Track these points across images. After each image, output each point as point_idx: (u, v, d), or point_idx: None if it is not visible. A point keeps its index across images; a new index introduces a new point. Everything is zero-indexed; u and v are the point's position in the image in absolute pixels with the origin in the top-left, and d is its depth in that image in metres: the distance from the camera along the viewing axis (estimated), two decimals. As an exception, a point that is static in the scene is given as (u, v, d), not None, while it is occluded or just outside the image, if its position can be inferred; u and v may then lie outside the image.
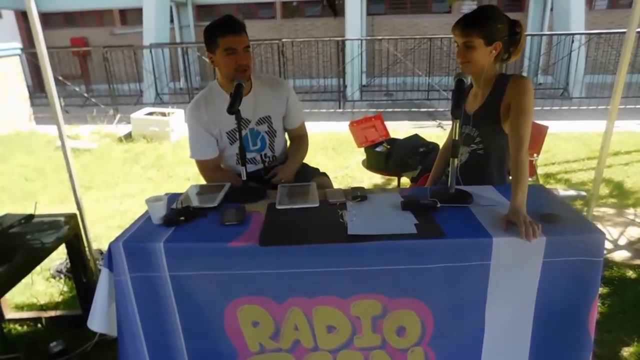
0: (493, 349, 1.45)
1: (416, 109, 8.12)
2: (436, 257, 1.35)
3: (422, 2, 11.85)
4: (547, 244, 1.33)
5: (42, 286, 2.79)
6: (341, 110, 8.25)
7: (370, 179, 4.41)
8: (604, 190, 3.98)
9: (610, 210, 3.61)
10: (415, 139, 3.35)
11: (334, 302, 1.41)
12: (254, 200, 1.69)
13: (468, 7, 11.05)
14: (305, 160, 2.22)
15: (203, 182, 2.13)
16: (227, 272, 1.39)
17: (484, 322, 1.41)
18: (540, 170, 4.38)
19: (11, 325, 2.40)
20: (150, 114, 6.75)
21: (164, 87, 9.92)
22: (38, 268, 2.28)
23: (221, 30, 1.80)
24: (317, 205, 1.61)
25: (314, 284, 1.39)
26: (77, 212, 2.37)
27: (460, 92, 1.54)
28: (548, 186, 4.21)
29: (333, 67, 9.19)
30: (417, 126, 6.96)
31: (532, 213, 1.40)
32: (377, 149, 3.33)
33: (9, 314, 2.47)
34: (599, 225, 3.29)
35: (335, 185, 2.12)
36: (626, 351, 2.08)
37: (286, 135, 2.23)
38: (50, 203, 4.15)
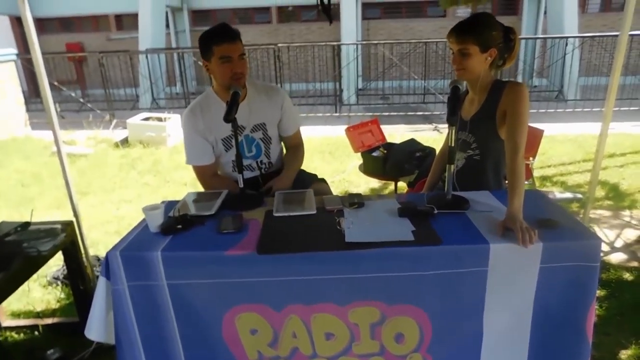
0: (491, 354, 1.45)
1: (412, 113, 8.15)
2: (434, 263, 1.35)
3: (417, 7, 11.90)
4: (544, 249, 1.34)
5: (38, 293, 2.78)
6: (337, 114, 8.27)
7: (367, 183, 4.42)
8: (599, 192, 4.00)
9: (607, 213, 3.64)
10: (412, 143, 3.37)
11: (332, 310, 1.41)
12: (251, 208, 1.69)
13: (462, 11, 11.12)
14: (303, 166, 2.22)
15: (200, 187, 2.14)
16: (225, 281, 1.39)
17: (482, 327, 1.41)
18: (536, 173, 4.39)
19: (7, 333, 2.39)
20: (147, 119, 6.74)
21: (160, 92, 9.91)
22: (34, 275, 2.27)
23: (216, 39, 1.80)
24: (314, 212, 1.61)
25: (311, 291, 1.39)
26: (74, 219, 2.37)
27: (455, 100, 1.55)
28: (544, 189, 4.23)
29: (329, 71, 9.22)
30: (414, 130, 6.98)
31: (528, 218, 1.41)
32: (374, 154, 3.34)
33: (5, 322, 2.46)
34: (596, 228, 3.33)
35: (333, 189, 2.13)
36: (624, 354, 2.09)
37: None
38: (47, 209, 4.14)
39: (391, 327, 1.43)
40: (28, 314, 2.57)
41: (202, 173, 2.07)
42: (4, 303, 2.33)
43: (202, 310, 1.43)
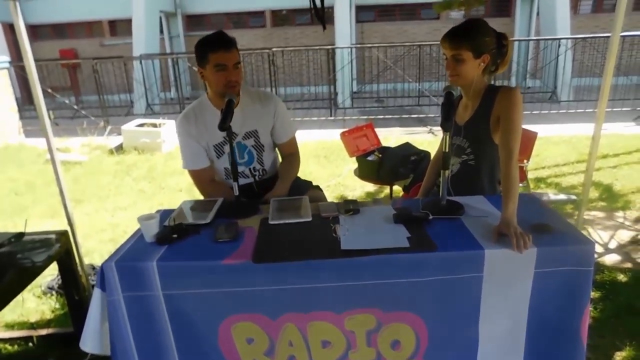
0: (488, 359, 1.45)
1: (407, 115, 8.18)
2: (429, 270, 1.36)
3: (411, 9, 11.95)
4: (538, 254, 1.34)
5: (33, 303, 2.76)
6: (332, 117, 8.28)
7: (362, 187, 4.42)
8: (593, 193, 4.02)
9: (600, 214, 3.66)
10: (407, 147, 3.38)
11: (328, 317, 1.41)
12: (246, 216, 1.69)
13: (456, 13, 11.19)
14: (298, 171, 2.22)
15: (196, 193, 2.14)
16: (221, 290, 1.39)
17: (477, 333, 1.42)
18: (530, 175, 4.42)
19: (1, 345, 2.37)
20: (141, 125, 6.73)
21: (154, 98, 9.90)
22: (29, 285, 2.26)
23: (212, 46, 1.81)
24: (309, 219, 1.61)
25: (307, 299, 1.39)
26: (68, 229, 2.35)
27: (449, 105, 1.55)
28: (539, 190, 4.25)
29: (324, 75, 9.24)
30: (408, 132, 7.00)
31: (522, 223, 1.41)
32: (369, 158, 3.34)
33: None
34: (590, 229, 3.35)
35: (328, 194, 2.13)
36: (619, 355, 2.10)
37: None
38: (41, 218, 4.11)
39: (387, 334, 1.43)
40: (22, 325, 2.55)
41: (199, 178, 2.07)
42: (-2, 314, 2.33)
43: (198, 319, 1.43)
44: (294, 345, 1.45)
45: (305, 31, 12.11)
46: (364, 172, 3.41)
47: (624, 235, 3.27)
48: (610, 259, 2.95)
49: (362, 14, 11.96)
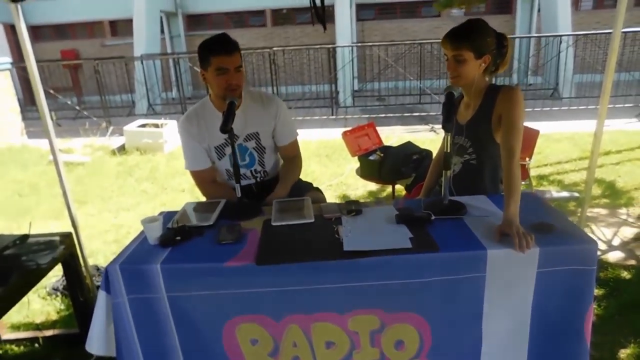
0: (491, 359, 1.46)
1: (409, 114, 8.17)
2: (432, 271, 1.36)
3: (412, 7, 11.93)
4: (541, 254, 1.35)
5: (38, 305, 2.77)
6: (334, 116, 8.28)
7: (364, 187, 4.42)
8: (596, 190, 4.02)
9: (603, 211, 3.65)
10: (408, 146, 3.38)
11: (331, 318, 1.42)
12: (249, 217, 1.70)
13: (457, 11, 11.15)
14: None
15: (198, 193, 2.15)
16: (225, 292, 1.40)
17: (481, 333, 1.42)
18: (532, 172, 4.41)
19: (7, 346, 2.38)
20: (143, 125, 6.74)
21: (156, 98, 9.91)
22: (34, 287, 2.27)
23: (214, 50, 1.81)
24: (312, 220, 1.62)
25: (311, 300, 1.40)
26: (73, 230, 2.37)
27: (450, 106, 1.56)
28: (541, 188, 4.25)
29: (325, 74, 9.23)
30: (410, 131, 7.00)
31: (524, 223, 1.42)
32: (371, 158, 3.35)
33: (5, 335, 2.45)
34: (593, 227, 3.35)
35: (330, 193, 2.14)
36: (623, 353, 2.10)
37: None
38: (45, 219, 4.13)
39: (391, 334, 1.43)
40: (28, 326, 2.57)
41: (201, 179, 2.09)
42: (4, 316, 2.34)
43: (203, 321, 1.44)
44: (298, 346, 1.46)
45: (306, 30, 12.10)
46: (365, 172, 3.41)
47: (627, 232, 3.26)
48: (614, 256, 2.95)
49: (363, 12, 11.95)
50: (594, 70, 8.45)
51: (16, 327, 2.57)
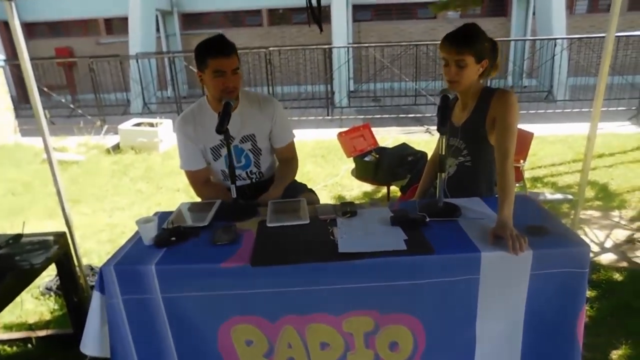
0: (484, 361, 1.47)
1: (404, 115, 8.19)
2: (426, 272, 1.37)
3: (408, 8, 11.95)
4: (534, 257, 1.36)
5: (31, 304, 2.76)
6: (329, 117, 8.29)
7: (359, 187, 4.43)
8: (589, 193, 4.05)
9: (596, 213, 3.68)
10: (404, 147, 3.39)
11: (326, 320, 1.42)
12: (244, 218, 1.70)
13: (453, 14, 11.18)
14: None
15: (193, 193, 2.15)
16: (220, 293, 1.40)
17: (475, 335, 1.43)
18: (527, 174, 4.44)
19: (0, 347, 2.37)
20: (138, 124, 6.71)
21: (151, 97, 9.87)
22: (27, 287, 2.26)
23: (211, 52, 1.81)
24: (307, 222, 1.62)
25: (306, 302, 1.40)
26: (67, 230, 2.35)
27: (445, 109, 1.56)
28: (535, 190, 4.28)
29: (320, 74, 9.23)
30: (406, 132, 7.02)
31: (518, 225, 1.43)
32: (366, 159, 3.36)
33: (-2, 335, 2.44)
34: (586, 229, 3.38)
35: (326, 194, 2.14)
36: (615, 354, 2.12)
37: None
38: (39, 219, 4.10)
39: (385, 336, 1.44)
40: (21, 326, 2.55)
41: (195, 179, 2.09)
42: (-3, 316, 2.33)
43: (197, 322, 1.44)
44: (293, 347, 1.46)
45: (302, 30, 12.08)
46: (361, 173, 3.42)
47: (620, 235, 3.29)
48: (607, 258, 2.98)
49: (359, 13, 11.95)
50: (588, 73, 8.51)
51: (9, 327, 2.55)
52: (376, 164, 3.28)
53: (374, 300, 1.40)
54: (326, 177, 4.89)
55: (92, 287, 2.32)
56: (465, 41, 1.69)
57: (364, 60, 10.85)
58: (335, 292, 1.39)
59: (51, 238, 2.14)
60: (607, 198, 3.98)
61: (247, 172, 2.11)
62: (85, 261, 2.92)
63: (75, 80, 11.58)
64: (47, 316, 2.65)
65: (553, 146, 5.67)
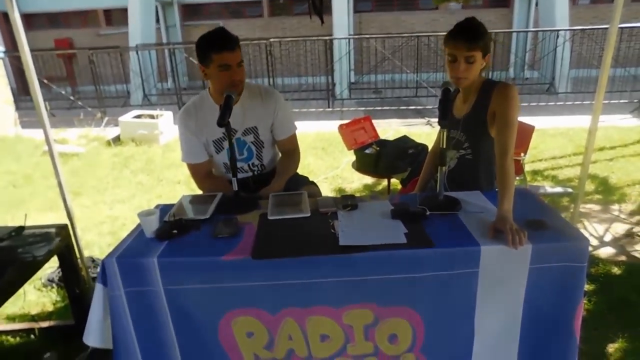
0: (483, 354, 1.48)
1: (405, 107, 8.17)
2: (426, 266, 1.38)
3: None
4: (533, 251, 1.37)
5: (33, 296, 2.78)
6: (330, 109, 8.27)
7: (360, 180, 4.44)
8: (589, 186, 4.05)
9: (596, 207, 3.69)
10: (404, 140, 3.39)
11: (326, 312, 1.44)
12: (246, 211, 1.71)
13: (454, 5, 11.10)
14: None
15: (194, 186, 2.16)
16: (221, 285, 1.41)
17: (473, 328, 1.45)
18: (527, 167, 4.44)
19: (3, 337, 2.39)
20: (139, 116, 6.69)
21: (151, 88, 9.84)
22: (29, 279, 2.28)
23: (216, 47, 1.80)
24: (308, 215, 1.63)
25: (306, 294, 1.41)
26: (68, 222, 2.37)
27: (447, 102, 1.56)
28: (535, 183, 4.28)
29: (321, 66, 9.20)
30: (406, 124, 7.00)
31: (518, 219, 1.44)
32: (367, 151, 3.36)
33: (1, 326, 2.46)
34: (585, 222, 3.38)
35: (326, 186, 2.14)
36: (612, 347, 2.14)
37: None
38: (40, 211, 4.11)
39: (385, 328, 1.45)
40: (23, 318, 2.58)
41: (196, 172, 2.10)
42: (-1, 307, 2.34)
43: (199, 314, 1.45)
44: (293, 339, 1.48)
45: (303, 21, 12.00)
46: (361, 165, 3.42)
47: (619, 229, 3.30)
48: (605, 252, 2.98)
49: (360, 4, 11.87)
50: (590, 65, 8.47)
51: (12, 319, 2.58)
52: (377, 157, 3.28)
53: (373, 293, 1.41)
54: (327, 169, 4.90)
55: (93, 279, 2.33)
56: (476, 36, 1.66)
57: (365, 52, 10.80)
58: (335, 284, 1.40)
59: (53, 230, 2.15)
60: (607, 191, 3.98)
61: (249, 165, 2.11)
62: (86, 253, 2.94)
63: (75, 72, 11.54)
64: (50, 307, 2.67)
65: (554, 139, 5.66)
